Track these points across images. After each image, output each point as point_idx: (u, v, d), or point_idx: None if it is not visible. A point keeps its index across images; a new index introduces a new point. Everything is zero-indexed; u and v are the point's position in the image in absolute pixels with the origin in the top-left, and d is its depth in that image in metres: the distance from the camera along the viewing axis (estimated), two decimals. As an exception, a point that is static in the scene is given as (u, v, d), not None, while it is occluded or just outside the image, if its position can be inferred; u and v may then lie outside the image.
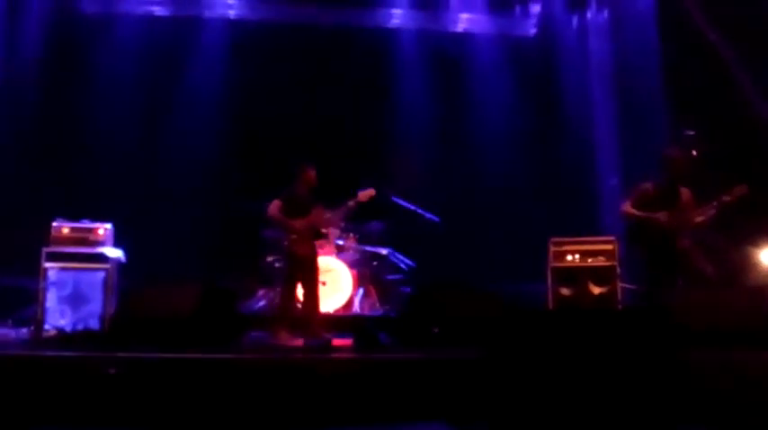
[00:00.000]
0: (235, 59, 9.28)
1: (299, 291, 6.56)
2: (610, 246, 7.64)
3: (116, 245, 7.02)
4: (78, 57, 8.93)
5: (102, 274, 6.79)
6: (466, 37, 10.09)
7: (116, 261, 6.95)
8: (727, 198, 6.09)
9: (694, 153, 7.98)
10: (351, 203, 6.67)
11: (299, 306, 6.57)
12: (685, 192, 6.21)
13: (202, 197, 8.80)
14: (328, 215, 6.79)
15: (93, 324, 6.57)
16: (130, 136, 8.81)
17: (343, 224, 7.91)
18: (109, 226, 7.00)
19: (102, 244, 6.90)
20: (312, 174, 6.46)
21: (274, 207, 6.37)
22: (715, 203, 6.11)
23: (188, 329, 5.59)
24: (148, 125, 8.93)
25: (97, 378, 4.40)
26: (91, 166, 8.57)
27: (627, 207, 6.28)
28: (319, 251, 7.85)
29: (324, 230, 6.96)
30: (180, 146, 8.89)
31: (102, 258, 6.85)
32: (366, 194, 6.72)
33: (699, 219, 6.11)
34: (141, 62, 9.04)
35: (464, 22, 10.10)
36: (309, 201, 6.49)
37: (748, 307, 5.68)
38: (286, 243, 6.42)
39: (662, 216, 6.11)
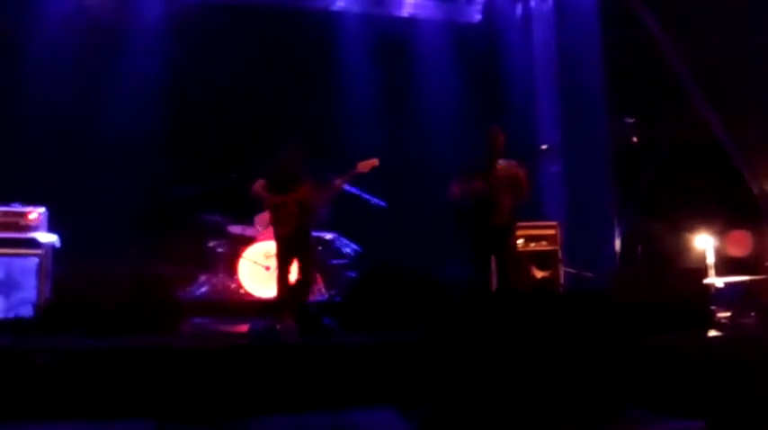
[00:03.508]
0: (173, 40, 8.96)
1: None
2: (552, 231, 7.82)
3: (50, 229, 6.79)
4: (8, 31, 8.50)
5: (35, 260, 6.58)
6: (411, 22, 10.08)
7: (50, 246, 6.74)
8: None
9: (635, 140, 8.17)
10: (346, 176, 6.23)
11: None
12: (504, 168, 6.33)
13: (141, 181, 8.51)
14: (320, 190, 6.18)
15: (26, 311, 6.33)
16: (65, 117, 8.44)
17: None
18: (42, 209, 6.78)
19: (35, 228, 6.66)
20: (299, 150, 6.15)
21: (258, 185, 6.11)
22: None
23: (124, 317, 5.44)
24: (84, 106, 8.56)
25: (27, 368, 4.22)
26: (24, 147, 8.21)
27: (455, 186, 6.26)
28: (264, 235, 7.77)
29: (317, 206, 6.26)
30: (118, 128, 8.57)
31: (35, 244, 6.63)
32: (368, 164, 6.24)
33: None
34: (75, 41, 8.66)
35: (409, 6, 10.08)
36: (296, 177, 6.09)
37: (684, 288, 5.85)
38: (271, 224, 6.17)
39: (478, 185, 6.18)
